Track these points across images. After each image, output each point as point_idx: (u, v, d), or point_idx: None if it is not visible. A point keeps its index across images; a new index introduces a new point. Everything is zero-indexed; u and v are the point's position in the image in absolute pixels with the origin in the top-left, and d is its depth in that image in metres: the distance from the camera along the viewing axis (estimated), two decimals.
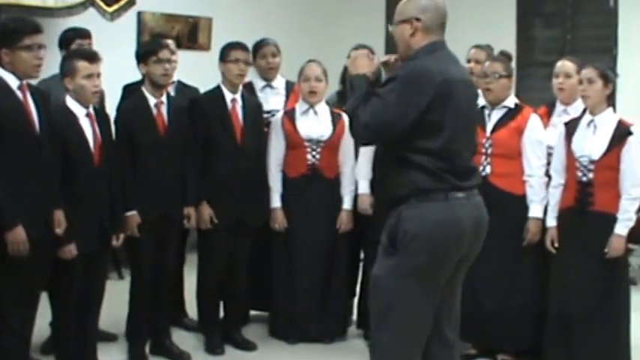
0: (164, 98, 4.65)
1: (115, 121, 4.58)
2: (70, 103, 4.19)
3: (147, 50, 4.66)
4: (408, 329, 3.41)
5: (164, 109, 4.62)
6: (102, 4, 6.66)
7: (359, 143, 3.35)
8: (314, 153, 5.03)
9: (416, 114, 3.28)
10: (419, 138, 3.33)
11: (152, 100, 4.59)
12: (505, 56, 5.17)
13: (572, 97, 4.80)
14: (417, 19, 3.44)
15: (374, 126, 3.33)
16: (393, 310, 3.40)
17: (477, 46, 5.49)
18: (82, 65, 4.15)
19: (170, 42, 5.22)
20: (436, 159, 3.35)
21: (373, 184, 3.73)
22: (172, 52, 5.10)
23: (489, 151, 4.66)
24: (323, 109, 5.09)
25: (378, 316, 3.48)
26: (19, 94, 3.86)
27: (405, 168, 3.39)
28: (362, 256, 5.29)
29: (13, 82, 3.85)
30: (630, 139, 4.32)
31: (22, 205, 3.78)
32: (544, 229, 4.58)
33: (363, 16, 8.63)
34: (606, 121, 4.38)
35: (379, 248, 3.53)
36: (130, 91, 4.98)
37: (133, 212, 4.47)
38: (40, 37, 3.89)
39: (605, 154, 4.33)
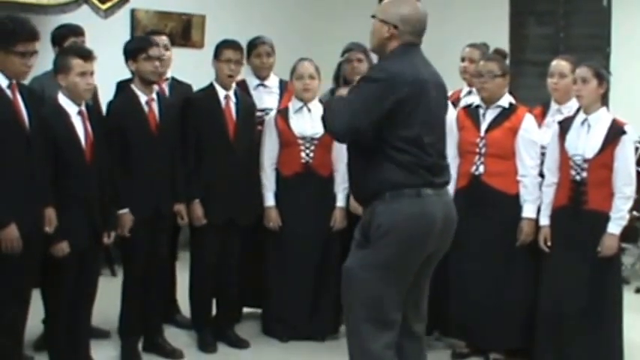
0: (154, 95, 4.63)
1: (105, 119, 4.56)
2: (62, 100, 4.17)
3: (136, 47, 4.61)
4: (375, 317, 3.50)
5: (155, 106, 4.59)
6: (95, 1, 6.64)
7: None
8: (308, 151, 5.02)
9: (379, 116, 3.41)
10: (396, 127, 3.43)
11: (143, 98, 4.56)
12: (500, 54, 5.12)
13: (567, 96, 4.77)
14: (395, 27, 3.53)
15: (341, 131, 3.50)
16: (359, 299, 3.51)
17: (472, 45, 5.43)
18: (77, 63, 4.13)
19: (164, 38, 5.22)
20: (409, 151, 3.45)
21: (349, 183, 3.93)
22: (167, 49, 5.12)
23: (483, 150, 4.65)
24: (316, 107, 5.06)
25: (347, 305, 3.60)
26: (8, 92, 3.84)
27: (377, 164, 3.49)
28: None
29: (2, 80, 3.83)
30: (624, 138, 4.32)
31: (12, 203, 3.77)
32: (537, 230, 4.57)
33: (356, 15, 8.59)
34: (600, 120, 4.38)
35: (352, 243, 3.64)
36: (124, 88, 4.96)
37: (125, 210, 4.46)
38: (35, 44, 3.88)
39: (598, 153, 4.33)
